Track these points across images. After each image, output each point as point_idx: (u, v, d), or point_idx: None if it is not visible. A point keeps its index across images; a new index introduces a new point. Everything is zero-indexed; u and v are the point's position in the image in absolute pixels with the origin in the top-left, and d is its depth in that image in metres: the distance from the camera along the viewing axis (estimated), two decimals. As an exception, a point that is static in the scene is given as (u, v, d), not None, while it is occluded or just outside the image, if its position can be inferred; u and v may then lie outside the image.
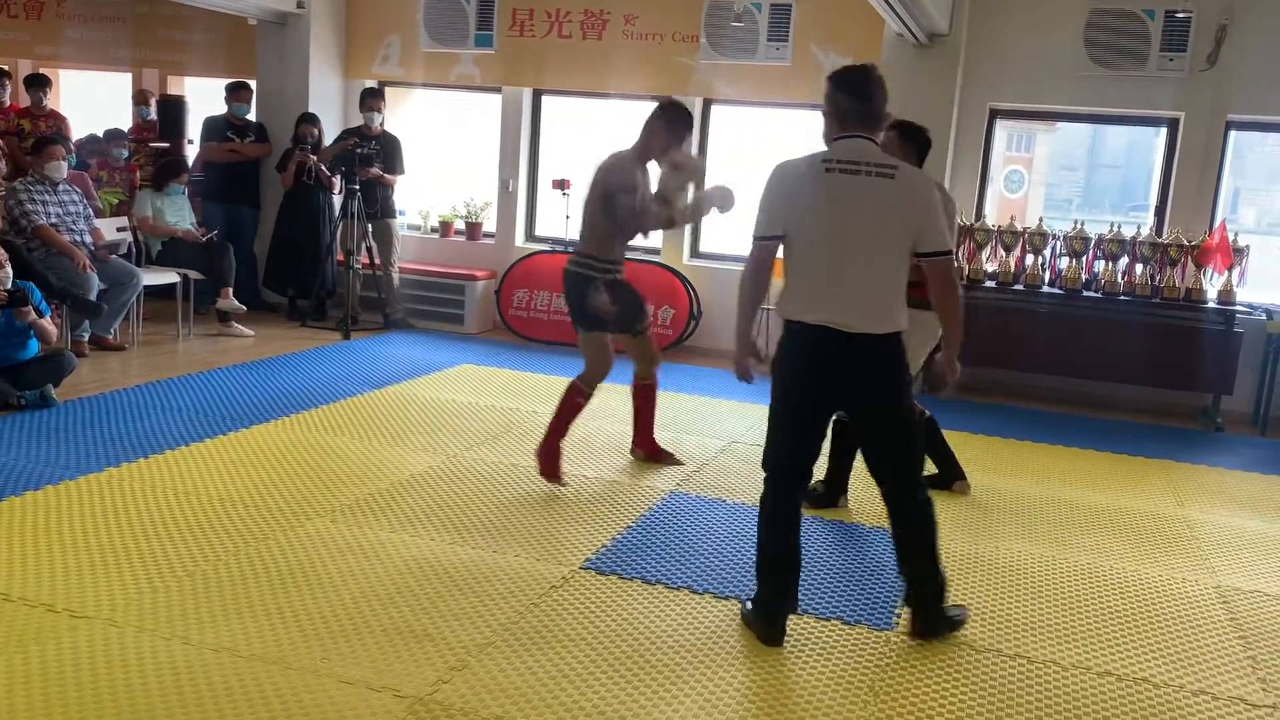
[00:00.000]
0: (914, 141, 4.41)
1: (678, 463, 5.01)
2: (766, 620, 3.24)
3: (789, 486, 3.27)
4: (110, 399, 5.52)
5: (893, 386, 3.19)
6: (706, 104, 7.94)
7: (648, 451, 5.04)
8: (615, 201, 4.35)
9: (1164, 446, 6.05)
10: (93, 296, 6.24)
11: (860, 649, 3.23)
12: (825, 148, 3.23)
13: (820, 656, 3.16)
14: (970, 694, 3.00)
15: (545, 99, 8.47)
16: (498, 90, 8.45)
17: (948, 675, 3.10)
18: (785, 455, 3.26)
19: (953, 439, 5.82)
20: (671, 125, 4.46)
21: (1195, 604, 3.79)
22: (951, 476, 4.88)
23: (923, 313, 4.17)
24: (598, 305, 4.41)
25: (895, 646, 3.26)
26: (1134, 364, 6.79)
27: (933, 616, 3.31)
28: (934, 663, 3.17)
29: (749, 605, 3.35)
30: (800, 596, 3.52)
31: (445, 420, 5.55)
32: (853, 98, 3.16)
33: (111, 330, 6.74)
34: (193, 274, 7.28)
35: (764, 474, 3.32)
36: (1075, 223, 6.96)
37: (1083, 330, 6.88)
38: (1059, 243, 6.99)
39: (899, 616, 3.47)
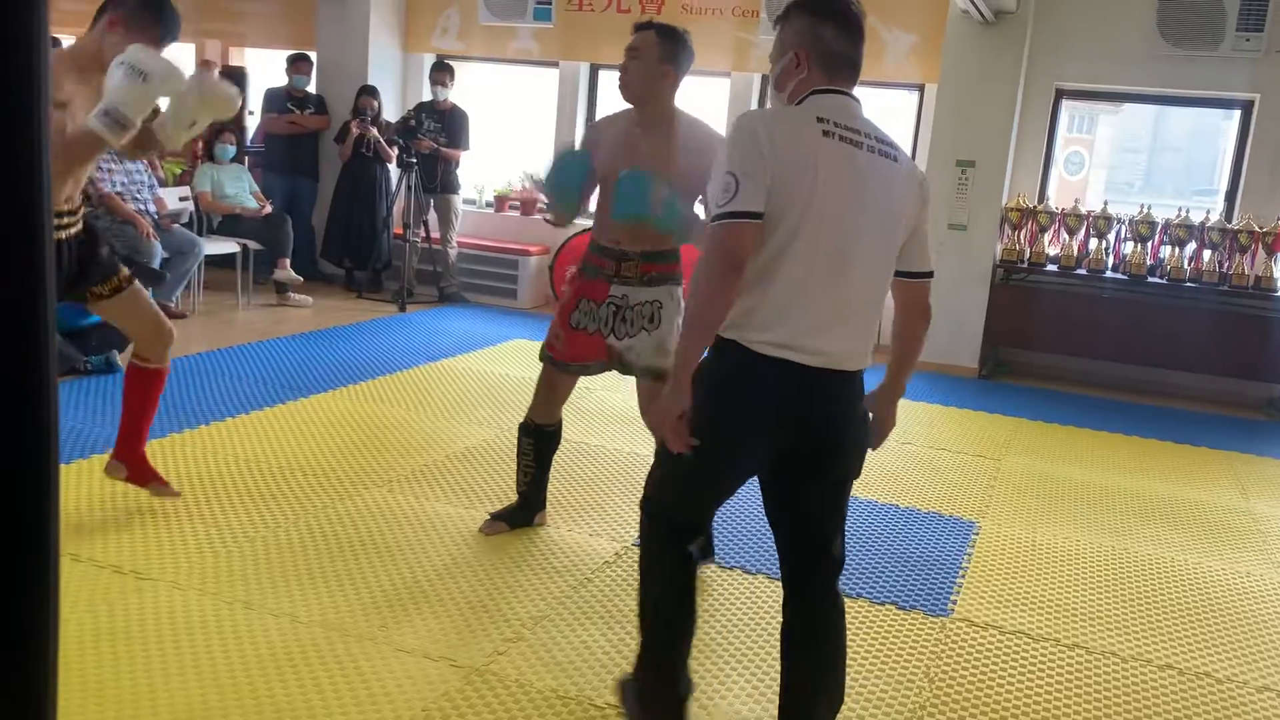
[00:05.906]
0: (677, 46, 3.21)
1: (173, 494, 3.66)
2: (672, 707, 2.36)
3: (686, 540, 2.35)
4: (172, 366, 5.58)
5: (860, 438, 2.29)
6: (765, 81, 7.86)
7: (131, 470, 3.58)
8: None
9: (1229, 437, 5.92)
10: (156, 265, 6.34)
11: (915, 635, 3.20)
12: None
13: (875, 642, 3.13)
14: (1027, 684, 2.96)
15: (603, 74, 8.43)
16: (555, 65, 8.43)
17: (1005, 664, 3.06)
18: (695, 506, 2.37)
19: (1010, 424, 5.78)
20: (138, 13, 3.18)
21: (1260, 599, 3.70)
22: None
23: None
24: None
25: (951, 633, 3.23)
26: (1199, 352, 6.65)
27: None
28: (991, 651, 3.14)
29: (630, 684, 2.48)
30: (855, 580, 3.52)
31: (499, 394, 5.57)
32: (844, 35, 2.20)
33: (173, 298, 6.85)
34: (252, 244, 7.38)
35: (649, 521, 2.37)
36: (1141, 207, 6.81)
37: (1147, 316, 6.74)
38: (1124, 227, 6.85)
39: (954, 603, 3.44)
